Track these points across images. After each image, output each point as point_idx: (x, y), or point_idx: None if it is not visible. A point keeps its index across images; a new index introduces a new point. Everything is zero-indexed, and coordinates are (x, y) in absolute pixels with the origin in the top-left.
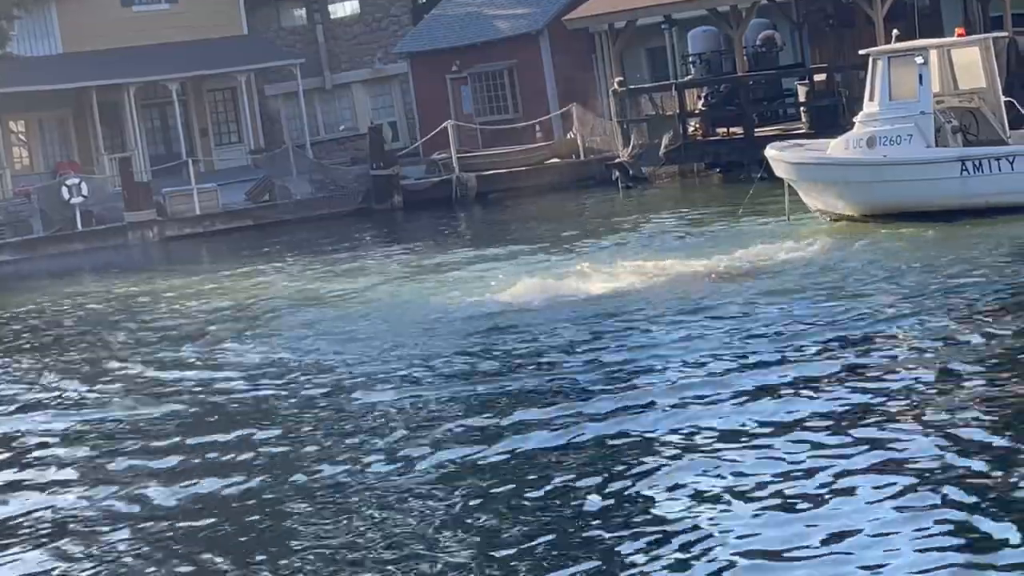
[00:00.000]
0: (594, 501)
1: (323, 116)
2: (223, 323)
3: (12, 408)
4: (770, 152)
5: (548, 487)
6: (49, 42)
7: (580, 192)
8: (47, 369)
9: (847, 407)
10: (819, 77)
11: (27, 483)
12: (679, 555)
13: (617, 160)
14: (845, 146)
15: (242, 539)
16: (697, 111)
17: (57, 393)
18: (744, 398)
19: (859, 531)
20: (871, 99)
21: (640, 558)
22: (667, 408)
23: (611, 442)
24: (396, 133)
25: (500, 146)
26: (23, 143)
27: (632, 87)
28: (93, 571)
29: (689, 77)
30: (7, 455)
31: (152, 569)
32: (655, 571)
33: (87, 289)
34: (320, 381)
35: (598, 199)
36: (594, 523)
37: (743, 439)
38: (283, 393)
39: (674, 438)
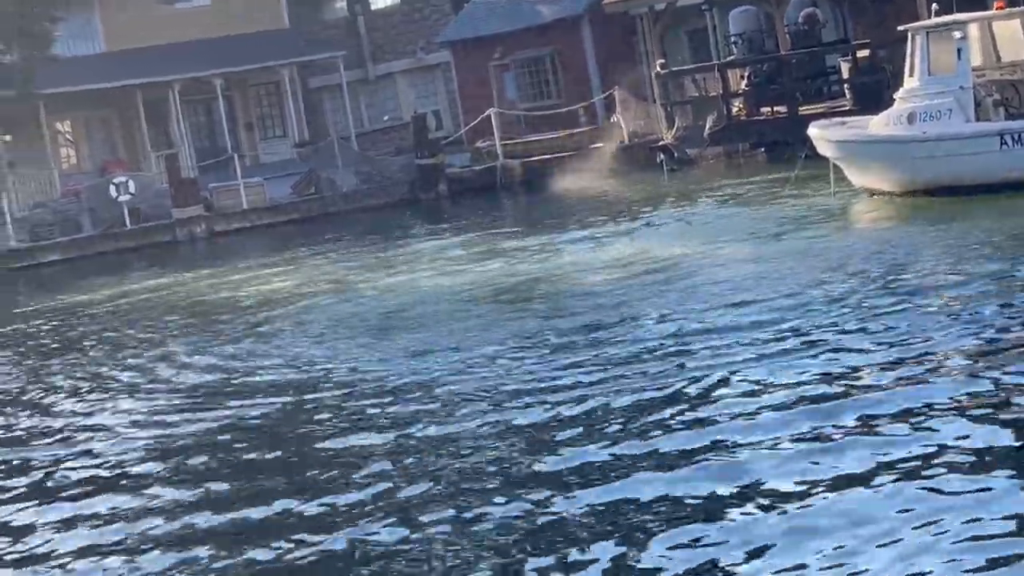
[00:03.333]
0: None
1: (367, 108)
2: (293, 313)
3: (68, 400)
4: (813, 131)
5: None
6: (92, 42)
7: (625, 175)
8: (108, 362)
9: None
10: (862, 53)
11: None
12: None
13: (662, 143)
14: (886, 123)
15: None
16: (740, 91)
17: (122, 385)
18: (799, 376)
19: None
20: (911, 75)
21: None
22: (723, 386)
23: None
24: (440, 122)
25: (543, 132)
26: (70, 143)
27: (675, 69)
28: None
29: (731, 57)
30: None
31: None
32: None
33: (141, 285)
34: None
35: (643, 182)
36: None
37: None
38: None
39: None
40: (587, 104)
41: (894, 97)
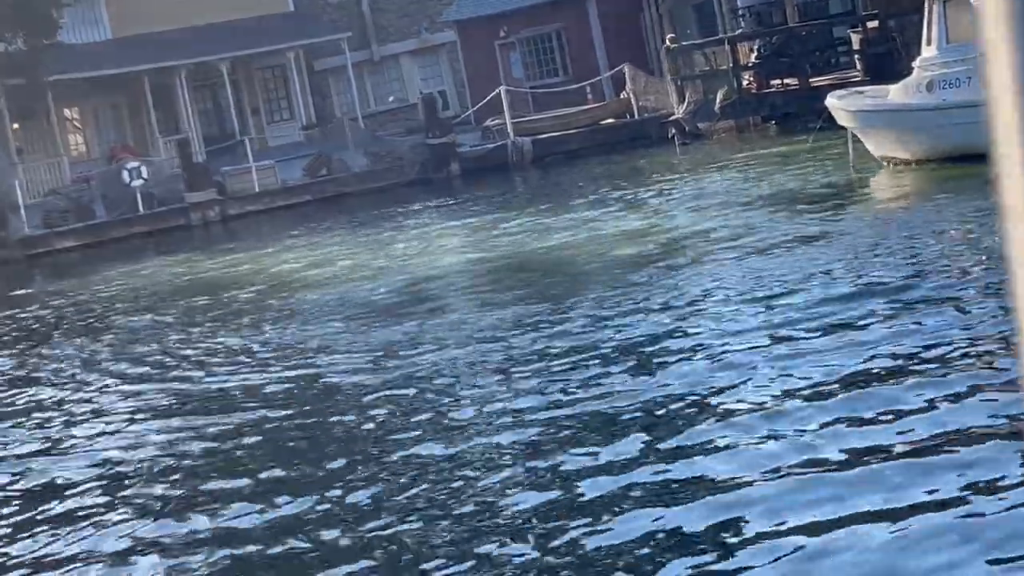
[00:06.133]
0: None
1: (372, 89)
2: (316, 294)
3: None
4: (831, 101)
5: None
6: (98, 28)
7: (636, 151)
8: (132, 345)
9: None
10: (872, 24)
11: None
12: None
13: (673, 117)
14: (905, 92)
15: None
16: (750, 64)
17: (153, 368)
18: (823, 354)
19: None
20: (928, 44)
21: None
22: (738, 362)
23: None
24: (446, 102)
25: (551, 110)
26: (78, 130)
27: (685, 43)
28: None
29: (740, 31)
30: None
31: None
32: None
33: (160, 270)
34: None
35: (656, 157)
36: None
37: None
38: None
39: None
40: (594, 81)
41: (912, 66)
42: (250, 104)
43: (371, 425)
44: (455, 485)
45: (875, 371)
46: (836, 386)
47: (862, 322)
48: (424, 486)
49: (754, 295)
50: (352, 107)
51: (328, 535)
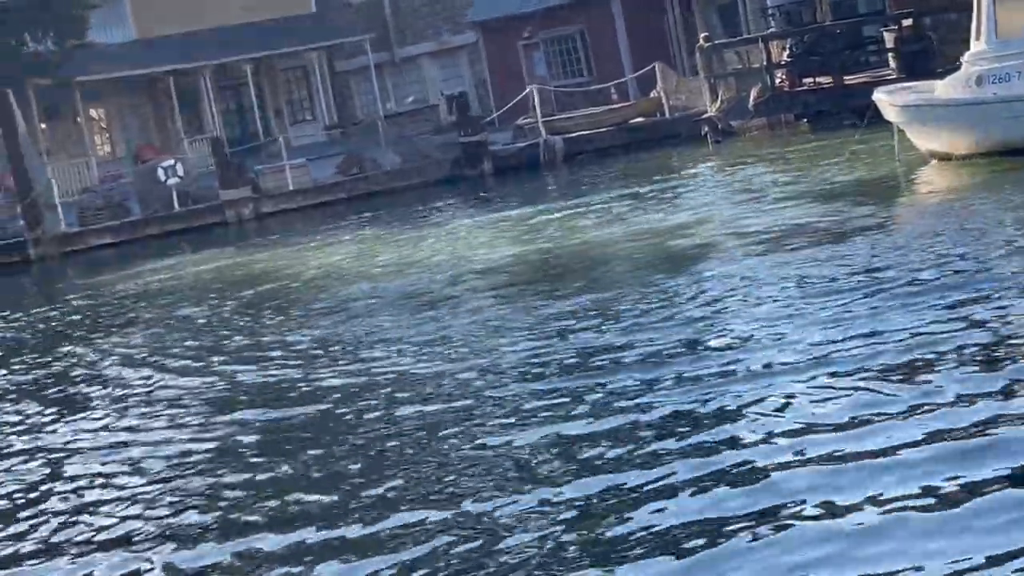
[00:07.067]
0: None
1: (393, 90)
2: (356, 290)
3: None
4: (879, 95)
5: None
6: (122, 29)
7: (669, 149)
8: (180, 338)
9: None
10: (907, 22)
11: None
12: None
13: (706, 115)
14: (953, 86)
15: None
16: (783, 63)
17: (200, 361)
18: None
19: None
20: (977, 38)
21: None
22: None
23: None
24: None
25: (574, 110)
26: (103, 130)
27: (718, 42)
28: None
29: (771, 30)
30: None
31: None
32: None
33: (199, 267)
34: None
35: (689, 155)
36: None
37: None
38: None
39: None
40: (619, 82)
41: (960, 61)
42: (272, 105)
43: (419, 420)
44: (496, 476)
45: (922, 362)
46: (881, 379)
47: (908, 314)
48: (464, 474)
49: (801, 289)
50: (373, 108)
51: (376, 529)
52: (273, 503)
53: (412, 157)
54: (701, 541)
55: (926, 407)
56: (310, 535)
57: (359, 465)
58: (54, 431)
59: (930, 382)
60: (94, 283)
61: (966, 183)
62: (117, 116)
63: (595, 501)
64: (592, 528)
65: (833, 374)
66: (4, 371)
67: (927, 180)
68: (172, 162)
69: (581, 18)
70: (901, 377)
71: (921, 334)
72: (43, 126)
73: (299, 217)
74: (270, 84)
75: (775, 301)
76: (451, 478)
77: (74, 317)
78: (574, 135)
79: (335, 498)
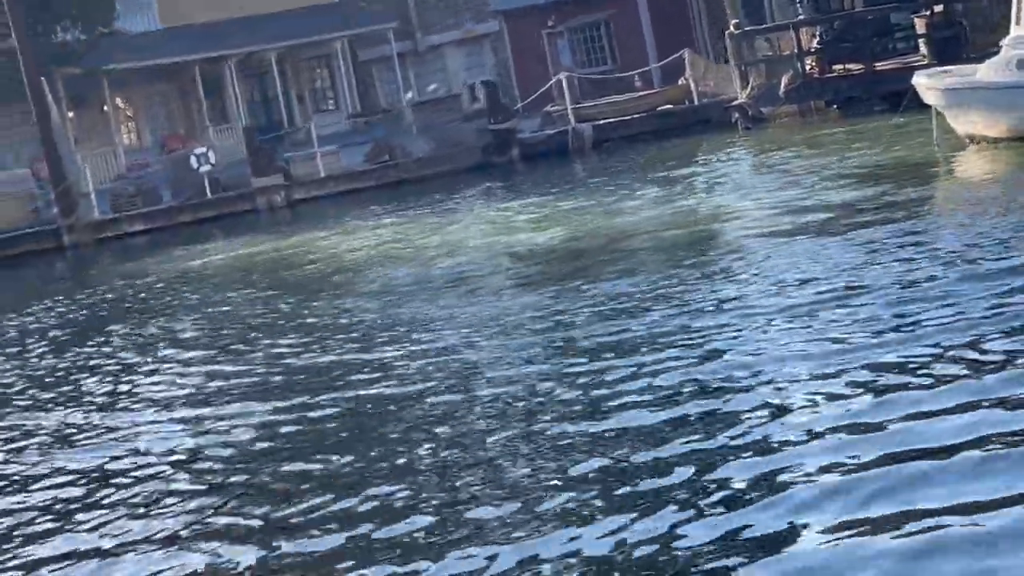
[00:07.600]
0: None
1: (415, 79)
2: (407, 271)
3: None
4: (919, 79)
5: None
6: (147, 17)
7: (698, 136)
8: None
9: None
10: (938, 8)
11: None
12: None
13: (736, 102)
14: (994, 70)
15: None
16: (813, 50)
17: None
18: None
19: None
20: (1018, 23)
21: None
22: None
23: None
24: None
25: (599, 97)
26: (129, 119)
27: (748, 29)
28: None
29: (800, 17)
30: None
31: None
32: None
33: (234, 252)
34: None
35: (720, 141)
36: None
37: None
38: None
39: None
40: (644, 70)
41: (1000, 44)
42: (296, 93)
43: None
44: (522, 466)
45: (955, 356)
46: (911, 374)
47: (943, 303)
48: (492, 462)
49: (841, 273)
50: (395, 97)
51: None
52: (329, 496)
53: (442, 144)
54: (713, 548)
55: (969, 404)
56: (374, 530)
57: (419, 457)
58: (111, 415)
59: (970, 375)
60: (129, 269)
61: (1007, 166)
62: (143, 105)
63: (619, 496)
64: (616, 521)
65: (880, 364)
66: (51, 358)
67: (968, 163)
68: (204, 150)
69: (605, 6)
70: (942, 369)
71: (976, 320)
72: (71, 115)
73: (330, 204)
74: (294, 73)
75: (828, 284)
76: (520, 473)
77: (118, 302)
78: (602, 122)
79: (403, 489)
